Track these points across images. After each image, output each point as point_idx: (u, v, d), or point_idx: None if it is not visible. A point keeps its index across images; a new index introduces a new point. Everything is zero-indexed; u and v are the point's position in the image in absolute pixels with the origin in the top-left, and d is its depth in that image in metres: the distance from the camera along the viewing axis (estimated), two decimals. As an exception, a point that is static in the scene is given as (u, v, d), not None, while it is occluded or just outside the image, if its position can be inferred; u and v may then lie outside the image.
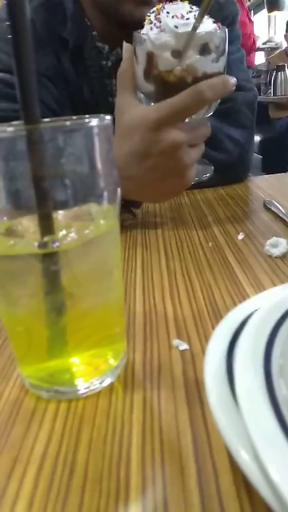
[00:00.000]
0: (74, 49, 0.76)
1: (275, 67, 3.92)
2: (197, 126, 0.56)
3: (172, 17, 0.51)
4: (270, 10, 5.26)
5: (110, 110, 0.83)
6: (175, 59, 0.51)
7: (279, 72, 3.82)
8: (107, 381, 0.31)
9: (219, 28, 0.53)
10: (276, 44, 5.01)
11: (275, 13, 5.33)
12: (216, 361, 0.26)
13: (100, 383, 0.31)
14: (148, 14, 0.54)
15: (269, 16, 5.68)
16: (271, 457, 0.19)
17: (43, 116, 0.25)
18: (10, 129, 0.23)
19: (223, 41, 0.53)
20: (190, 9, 0.52)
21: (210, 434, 0.25)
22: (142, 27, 0.68)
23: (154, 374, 0.32)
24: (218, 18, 0.78)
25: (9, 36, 0.25)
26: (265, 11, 5.41)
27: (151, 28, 0.52)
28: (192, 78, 0.52)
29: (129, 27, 0.72)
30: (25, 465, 0.25)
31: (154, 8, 0.53)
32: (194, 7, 0.52)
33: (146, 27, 0.53)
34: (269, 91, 3.96)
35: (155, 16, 0.52)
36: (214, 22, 0.53)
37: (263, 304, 0.29)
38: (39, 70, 0.74)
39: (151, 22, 0.53)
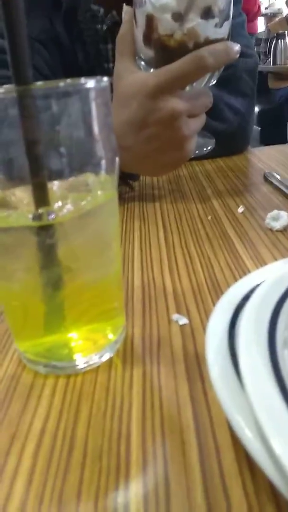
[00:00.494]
0: (68, 12, 0.72)
1: (275, 34, 3.80)
2: (198, 95, 0.53)
3: None
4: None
5: (106, 76, 0.80)
6: (176, 23, 0.48)
7: (279, 40, 3.71)
8: (106, 356, 0.31)
9: None
10: (278, 10, 4.85)
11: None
12: (218, 336, 0.25)
13: (99, 358, 0.30)
14: None
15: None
16: (274, 430, 0.18)
17: (35, 80, 0.24)
18: (0, 91, 0.22)
19: (227, 5, 0.50)
20: None
21: (211, 409, 0.25)
22: None
23: (153, 348, 0.31)
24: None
25: None
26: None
27: None
28: (194, 43, 0.49)
29: None
30: (23, 442, 0.24)
31: None
32: None
33: None
34: (269, 59, 3.86)
35: None
36: None
37: (265, 278, 0.28)
38: (30, 34, 0.70)
39: None
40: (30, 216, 0.25)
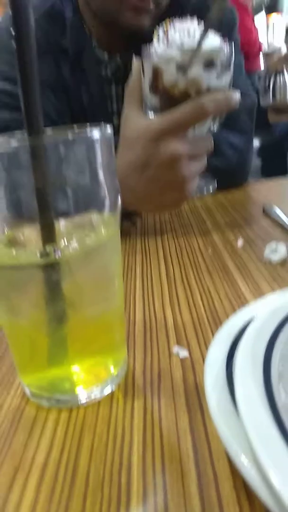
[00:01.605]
0: (74, 58, 0.77)
1: (275, 72, 3.94)
2: (199, 139, 0.56)
3: (179, 33, 0.53)
4: (268, 12, 5.30)
5: (109, 117, 0.84)
6: (180, 73, 0.52)
7: (278, 77, 3.83)
8: (108, 389, 0.31)
9: (225, 44, 0.54)
10: (274, 49, 5.04)
11: (273, 17, 5.36)
12: (216, 368, 0.26)
13: (101, 391, 0.31)
14: (157, 28, 0.55)
15: (267, 18, 5.71)
16: (271, 462, 0.19)
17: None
18: (14, 141, 0.24)
19: (228, 58, 0.54)
20: (197, 26, 0.53)
21: (210, 440, 0.26)
22: (141, 35, 0.69)
23: (154, 381, 0.32)
24: (217, 26, 0.79)
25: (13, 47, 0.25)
26: (263, 15, 5.44)
27: (159, 43, 0.54)
28: (196, 92, 0.53)
29: (129, 35, 0.74)
30: (27, 474, 0.25)
31: (163, 24, 0.54)
32: (201, 23, 0.53)
33: (154, 41, 0.55)
34: (268, 95, 3.98)
35: (163, 32, 0.54)
36: (220, 37, 0.55)
37: (261, 311, 0.29)
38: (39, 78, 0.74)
39: (159, 37, 0.54)
40: (38, 254, 0.26)
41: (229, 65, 0.54)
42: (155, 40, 0.55)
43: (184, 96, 0.53)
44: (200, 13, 0.76)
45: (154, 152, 0.54)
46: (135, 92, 0.58)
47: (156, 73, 0.54)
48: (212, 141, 0.58)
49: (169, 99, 0.54)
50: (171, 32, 0.53)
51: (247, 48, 3.33)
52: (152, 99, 0.56)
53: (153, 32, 0.59)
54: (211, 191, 0.66)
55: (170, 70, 0.53)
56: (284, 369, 0.24)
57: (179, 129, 0.53)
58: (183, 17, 0.55)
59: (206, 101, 0.51)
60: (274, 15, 5.25)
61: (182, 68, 0.52)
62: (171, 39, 0.53)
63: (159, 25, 0.55)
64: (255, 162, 3.62)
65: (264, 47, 4.86)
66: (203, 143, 0.57)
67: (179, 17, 0.54)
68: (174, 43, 0.53)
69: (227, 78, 0.55)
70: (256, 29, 3.61)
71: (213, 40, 0.54)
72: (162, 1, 0.72)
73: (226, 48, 0.54)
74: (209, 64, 0.52)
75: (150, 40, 0.58)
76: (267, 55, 4.88)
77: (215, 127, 0.60)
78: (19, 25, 0.24)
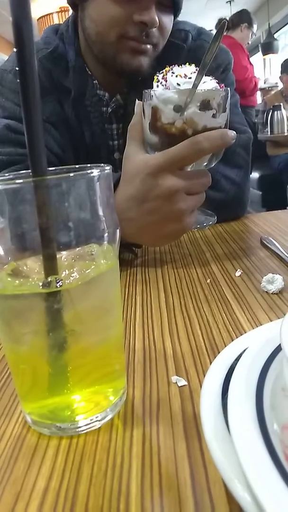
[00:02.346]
0: (76, 97, 0.80)
1: (272, 106, 4.07)
2: (198, 175, 0.59)
3: (176, 76, 0.57)
4: (264, 53, 5.51)
5: (110, 152, 0.88)
6: (177, 113, 0.56)
7: (275, 112, 3.95)
8: (107, 418, 0.32)
9: (221, 87, 0.58)
10: (271, 85, 5.22)
11: (269, 55, 5.57)
12: (212, 397, 0.27)
13: (101, 419, 0.32)
14: (157, 74, 0.59)
15: (264, 58, 5.94)
16: (264, 488, 0.19)
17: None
18: (20, 178, 0.26)
19: (224, 99, 0.57)
20: (194, 71, 0.57)
21: (207, 467, 0.26)
22: (139, 75, 0.73)
23: (153, 410, 0.33)
24: (212, 66, 0.83)
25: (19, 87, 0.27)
26: (260, 53, 5.66)
27: (158, 86, 0.58)
28: (193, 131, 0.56)
29: (128, 76, 0.78)
30: (27, 501, 0.25)
31: (163, 70, 0.59)
32: (198, 68, 0.57)
33: (154, 85, 0.59)
34: (266, 129, 4.08)
35: (162, 76, 0.58)
36: (216, 82, 0.59)
37: (256, 340, 0.30)
38: (42, 116, 0.78)
39: (158, 81, 0.59)
40: (40, 284, 0.28)
41: (225, 107, 0.58)
42: (155, 84, 0.59)
43: (182, 135, 0.56)
44: (196, 55, 0.81)
45: (152, 186, 0.57)
46: (136, 132, 0.61)
47: (155, 113, 0.58)
48: (210, 177, 0.60)
49: (167, 137, 0.57)
50: (169, 76, 0.57)
51: (243, 85, 3.47)
52: (152, 138, 0.60)
53: (151, 73, 0.63)
54: (210, 225, 0.69)
55: (167, 110, 0.56)
56: (275, 398, 0.25)
57: (175, 165, 0.56)
58: (182, 62, 0.60)
59: (201, 139, 0.54)
60: (270, 54, 5.46)
61: (179, 108, 0.55)
62: (169, 82, 0.57)
63: (159, 71, 0.59)
64: (256, 193, 3.69)
65: (261, 83, 5.04)
66: (201, 179, 0.59)
67: (179, 64, 0.58)
68: (171, 85, 0.57)
69: (223, 117, 0.58)
70: (251, 67, 3.76)
71: (209, 83, 0.58)
72: (158, 43, 0.76)
73: (221, 90, 0.57)
74: (205, 104, 0.55)
75: (148, 80, 0.63)
76: (264, 91, 5.05)
77: (213, 164, 0.62)
78: (23, 62, 0.25)
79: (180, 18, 0.86)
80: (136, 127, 0.62)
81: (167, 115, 0.57)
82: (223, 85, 0.59)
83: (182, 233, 0.64)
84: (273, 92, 4.56)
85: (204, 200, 0.61)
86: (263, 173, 3.74)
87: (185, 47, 0.82)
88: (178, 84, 0.56)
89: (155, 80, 0.59)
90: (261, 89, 5.06)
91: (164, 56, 0.80)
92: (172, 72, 0.57)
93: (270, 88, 5.09)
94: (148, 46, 0.74)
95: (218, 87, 0.58)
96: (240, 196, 0.85)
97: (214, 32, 0.60)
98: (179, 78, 0.57)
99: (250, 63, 3.79)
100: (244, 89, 3.51)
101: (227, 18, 3.74)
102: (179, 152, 0.55)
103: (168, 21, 0.75)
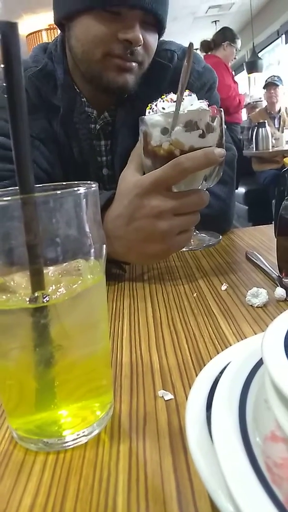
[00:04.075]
0: (65, 114, 0.82)
1: (257, 123, 4.16)
2: (186, 195, 0.60)
3: (163, 101, 0.61)
4: (249, 71, 5.65)
5: (98, 168, 0.89)
6: (164, 135, 0.58)
7: (260, 128, 4.04)
8: (94, 433, 0.32)
9: (212, 108, 0.60)
10: (256, 100, 5.34)
11: (254, 74, 5.71)
12: (197, 410, 0.27)
13: (87, 434, 0.32)
14: (152, 102, 0.63)
15: (249, 77, 6.09)
16: (245, 499, 0.20)
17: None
18: (7, 196, 0.26)
19: (212, 119, 0.59)
20: (184, 95, 0.60)
21: (192, 481, 0.26)
22: (125, 92, 0.77)
23: (139, 424, 0.33)
24: (197, 85, 0.86)
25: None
26: (245, 72, 5.80)
27: (149, 113, 0.62)
28: (180, 151, 0.58)
29: (114, 93, 0.79)
30: (13, 517, 0.25)
31: (159, 99, 0.63)
32: (187, 92, 0.61)
33: (146, 112, 0.63)
34: (252, 145, 4.16)
35: (155, 104, 0.62)
36: (207, 103, 0.62)
37: (240, 353, 0.30)
38: (32, 133, 0.79)
39: (150, 108, 0.63)
40: (27, 299, 0.28)
41: (213, 127, 0.60)
42: (147, 111, 0.63)
43: (170, 156, 0.58)
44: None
45: (139, 206, 0.59)
46: (135, 156, 0.65)
47: (146, 137, 0.61)
48: (203, 198, 0.61)
49: (157, 159, 0.60)
50: (158, 102, 0.61)
51: (227, 102, 3.54)
52: (146, 161, 0.63)
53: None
54: (214, 245, 0.73)
55: (156, 133, 0.59)
56: (258, 410, 0.26)
57: (161, 186, 0.58)
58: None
59: (183, 159, 0.56)
60: (254, 73, 5.59)
61: (165, 130, 0.58)
62: (158, 107, 0.61)
63: (153, 101, 0.63)
64: (242, 208, 3.74)
65: (246, 100, 5.15)
66: (190, 199, 0.60)
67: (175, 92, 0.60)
68: (159, 110, 0.60)
69: (213, 137, 0.60)
70: (236, 85, 3.84)
71: (196, 104, 0.60)
72: (144, 61, 0.78)
73: (209, 109, 0.59)
74: (191, 125, 0.57)
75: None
76: (249, 106, 5.16)
77: (209, 184, 0.64)
78: (10, 84, 0.26)
79: (167, 37, 0.89)
80: (136, 151, 0.65)
81: (155, 138, 0.60)
82: (214, 106, 0.61)
83: (168, 253, 0.66)
84: (257, 110, 4.67)
85: (198, 220, 0.62)
86: (249, 188, 3.80)
87: (170, 66, 0.85)
88: (163, 108, 0.60)
89: (148, 108, 0.63)
90: (246, 105, 5.18)
91: (151, 76, 0.82)
92: (161, 99, 0.61)
93: (254, 103, 5.21)
94: (134, 63, 0.76)
95: (206, 108, 0.60)
96: (225, 212, 0.86)
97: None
98: (165, 102, 0.60)
99: (234, 81, 3.88)
100: (228, 106, 3.59)
101: (209, 39, 3.83)
102: (163, 173, 0.57)
103: (152, 39, 0.77)
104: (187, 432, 0.25)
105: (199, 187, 0.63)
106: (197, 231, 0.78)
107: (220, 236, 0.75)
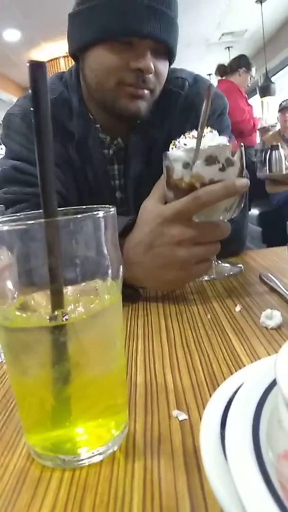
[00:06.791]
0: (79, 140, 0.85)
1: (270, 146, 4.19)
2: (207, 225, 0.63)
3: (186, 137, 0.64)
4: (262, 95, 5.72)
5: (112, 192, 0.91)
6: (185, 169, 0.61)
7: (273, 151, 4.06)
8: (109, 451, 0.33)
9: (234, 144, 0.63)
10: (271, 124, 5.39)
11: (267, 98, 5.78)
12: (211, 429, 0.27)
13: (102, 452, 0.32)
14: (176, 139, 0.66)
15: (262, 100, 6.16)
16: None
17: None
18: (30, 218, 0.28)
19: (233, 154, 0.62)
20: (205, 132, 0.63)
21: (207, 500, 0.27)
22: (138, 119, 0.81)
23: (154, 443, 0.33)
24: (209, 112, 0.88)
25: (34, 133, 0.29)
26: (258, 95, 5.88)
27: (172, 149, 0.66)
28: (201, 184, 0.61)
29: (127, 119, 0.82)
30: (30, 533, 0.26)
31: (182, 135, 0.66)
32: (209, 129, 0.64)
33: (170, 148, 0.67)
34: (265, 168, 4.19)
35: (178, 141, 0.65)
36: (228, 140, 0.65)
37: (254, 374, 0.31)
38: None
39: (174, 144, 0.66)
40: (47, 317, 0.29)
41: (234, 161, 0.62)
42: (171, 147, 0.66)
43: (191, 188, 0.61)
44: (193, 101, 0.86)
45: (160, 234, 0.62)
46: (158, 187, 0.68)
47: (168, 171, 0.64)
48: (225, 229, 0.63)
49: (179, 192, 0.63)
50: (182, 139, 0.65)
51: (241, 126, 3.60)
52: (168, 194, 0.66)
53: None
54: (230, 275, 0.75)
55: (178, 167, 0.62)
56: (271, 429, 0.26)
57: (181, 217, 0.61)
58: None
59: (201, 193, 0.59)
60: (267, 97, 5.66)
61: (186, 165, 0.61)
62: (180, 143, 0.64)
63: (176, 138, 0.66)
64: (256, 230, 3.74)
65: (262, 124, 5.21)
66: (211, 230, 0.63)
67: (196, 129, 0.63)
68: (181, 146, 0.64)
69: (233, 170, 0.62)
70: (250, 108, 3.90)
71: (216, 139, 0.63)
72: (155, 88, 0.81)
73: (229, 145, 0.62)
74: (211, 160, 0.60)
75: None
76: (263, 130, 5.21)
77: (231, 215, 0.67)
78: (38, 112, 0.28)
79: (181, 63, 0.92)
80: (160, 183, 0.68)
81: (177, 172, 0.62)
82: (235, 141, 0.65)
83: (185, 281, 0.68)
84: (271, 132, 4.71)
85: (218, 250, 0.65)
86: (263, 210, 3.80)
87: (182, 93, 0.87)
88: (185, 144, 0.63)
89: (171, 143, 0.66)
90: (260, 129, 5.24)
91: (162, 103, 0.84)
92: (184, 136, 0.64)
93: (269, 127, 5.26)
94: (145, 91, 0.79)
95: (226, 143, 0.63)
96: (238, 234, 0.87)
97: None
98: (187, 139, 0.64)
99: (248, 104, 3.93)
100: (242, 130, 3.64)
101: (226, 64, 3.92)
102: (183, 205, 0.60)
103: (163, 67, 0.80)
104: (201, 452, 0.26)
105: (220, 217, 0.65)
106: (219, 261, 0.79)
107: (242, 266, 0.77)
